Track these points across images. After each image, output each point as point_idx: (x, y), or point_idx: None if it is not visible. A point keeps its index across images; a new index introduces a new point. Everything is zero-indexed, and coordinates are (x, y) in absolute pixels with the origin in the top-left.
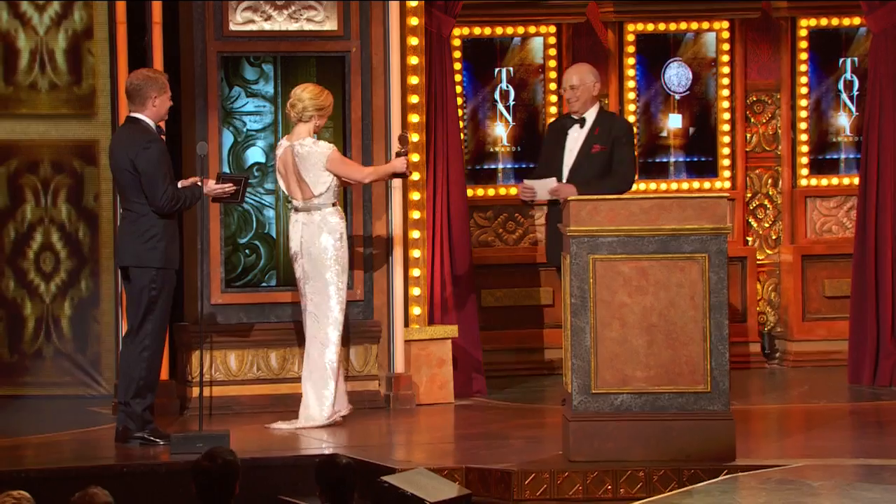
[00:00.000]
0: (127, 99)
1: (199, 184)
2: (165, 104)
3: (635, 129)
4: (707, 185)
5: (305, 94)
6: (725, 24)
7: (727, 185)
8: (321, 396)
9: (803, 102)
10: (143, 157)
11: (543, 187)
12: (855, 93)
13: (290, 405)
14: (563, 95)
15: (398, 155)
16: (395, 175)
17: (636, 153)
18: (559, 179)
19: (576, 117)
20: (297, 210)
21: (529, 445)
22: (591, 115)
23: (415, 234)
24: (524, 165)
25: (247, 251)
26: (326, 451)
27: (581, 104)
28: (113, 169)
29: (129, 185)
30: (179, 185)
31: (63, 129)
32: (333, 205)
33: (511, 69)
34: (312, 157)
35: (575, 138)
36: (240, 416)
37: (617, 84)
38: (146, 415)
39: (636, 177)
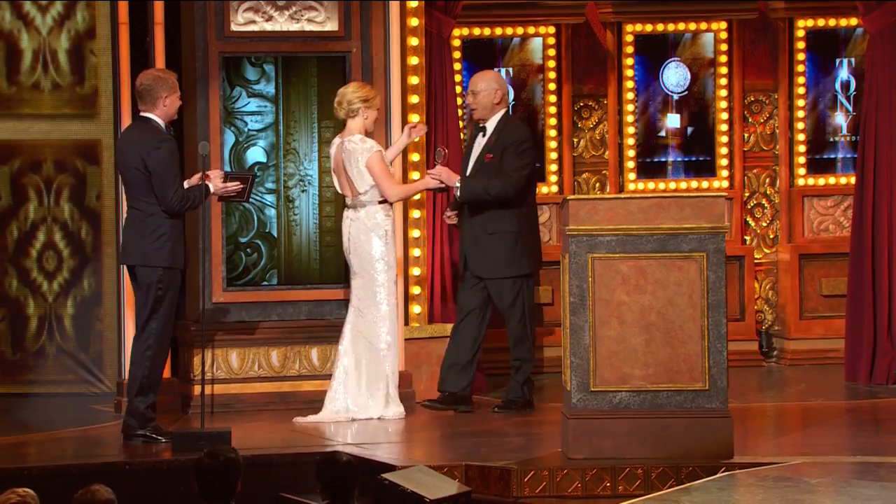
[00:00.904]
0: (137, 98)
1: (203, 179)
2: (175, 104)
3: (632, 129)
4: (705, 184)
5: (348, 90)
6: (723, 25)
7: (725, 184)
8: (372, 393)
9: (801, 102)
10: (155, 156)
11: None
12: (852, 93)
13: (291, 403)
14: (466, 100)
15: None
16: (433, 190)
17: (529, 161)
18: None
19: (481, 125)
20: (346, 207)
21: (529, 443)
22: (492, 124)
23: (415, 233)
24: None
25: (248, 250)
26: (327, 449)
27: (480, 111)
28: (121, 167)
29: (137, 184)
30: (185, 184)
31: (66, 128)
32: (380, 202)
33: (511, 69)
34: (356, 154)
35: (477, 146)
36: (241, 414)
37: (616, 84)
38: (148, 412)
39: (526, 185)
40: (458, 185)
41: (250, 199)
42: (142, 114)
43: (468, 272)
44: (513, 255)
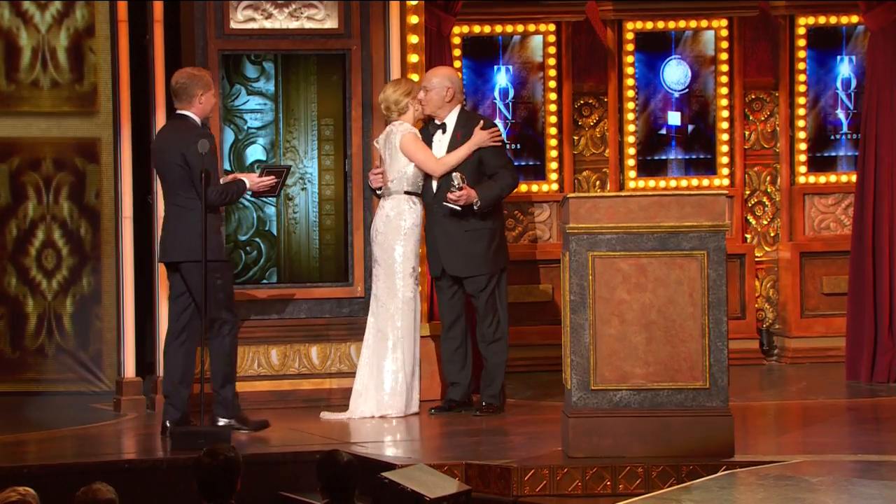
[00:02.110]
0: (173, 97)
1: (205, 180)
2: (210, 101)
3: (633, 127)
4: (706, 182)
5: (388, 90)
6: (724, 22)
7: (726, 182)
8: (378, 388)
9: (801, 100)
10: (195, 150)
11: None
12: (853, 90)
13: (290, 402)
14: (419, 96)
15: (450, 190)
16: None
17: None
18: (428, 187)
19: (437, 122)
20: (381, 196)
21: (529, 442)
22: (451, 120)
23: None
24: (524, 163)
25: (248, 248)
26: (327, 448)
27: (430, 107)
28: (160, 165)
29: (177, 180)
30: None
31: (65, 126)
32: (406, 193)
33: (511, 67)
34: (393, 138)
35: (439, 144)
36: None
37: (616, 82)
38: (236, 401)
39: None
40: (477, 199)
41: (280, 194)
42: (178, 111)
43: (444, 276)
44: (488, 251)
